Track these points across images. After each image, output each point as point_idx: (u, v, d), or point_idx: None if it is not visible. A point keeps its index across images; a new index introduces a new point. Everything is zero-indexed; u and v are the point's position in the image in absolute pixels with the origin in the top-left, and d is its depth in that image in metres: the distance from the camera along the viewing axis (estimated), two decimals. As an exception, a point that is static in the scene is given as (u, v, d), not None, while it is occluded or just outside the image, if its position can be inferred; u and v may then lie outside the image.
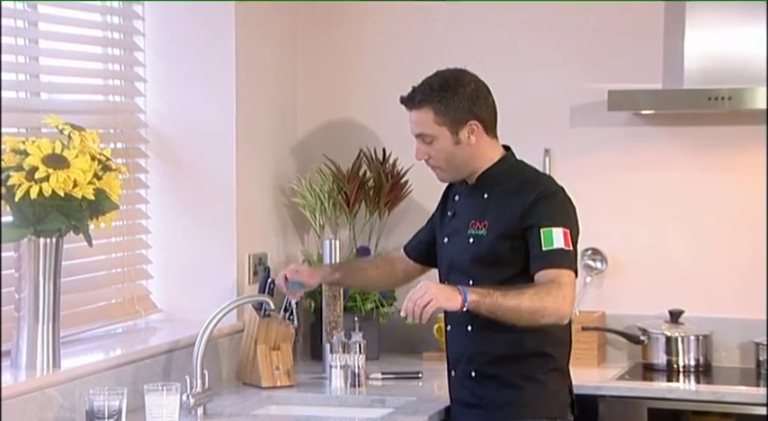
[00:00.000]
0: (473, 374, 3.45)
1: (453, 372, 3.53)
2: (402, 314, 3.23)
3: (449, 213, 3.56)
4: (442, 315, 3.66)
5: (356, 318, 4.13)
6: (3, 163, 3.19)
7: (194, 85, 4.15)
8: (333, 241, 4.20)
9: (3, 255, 3.33)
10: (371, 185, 4.47)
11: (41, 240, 3.26)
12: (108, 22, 3.97)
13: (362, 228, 4.50)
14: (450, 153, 3.42)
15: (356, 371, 3.97)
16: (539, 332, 3.35)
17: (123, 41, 4.04)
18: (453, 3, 4.49)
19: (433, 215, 3.71)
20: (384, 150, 4.50)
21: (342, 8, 4.66)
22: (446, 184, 3.61)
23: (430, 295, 3.15)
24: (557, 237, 3.31)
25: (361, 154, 4.51)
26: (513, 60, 4.37)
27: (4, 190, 3.18)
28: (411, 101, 3.41)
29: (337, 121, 4.66)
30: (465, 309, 3.17)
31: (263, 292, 4.08)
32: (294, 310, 4.20)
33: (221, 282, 4.14)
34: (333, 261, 4.17)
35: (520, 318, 3.23)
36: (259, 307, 4.01)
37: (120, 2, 4.01)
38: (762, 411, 3.88)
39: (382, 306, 4.38)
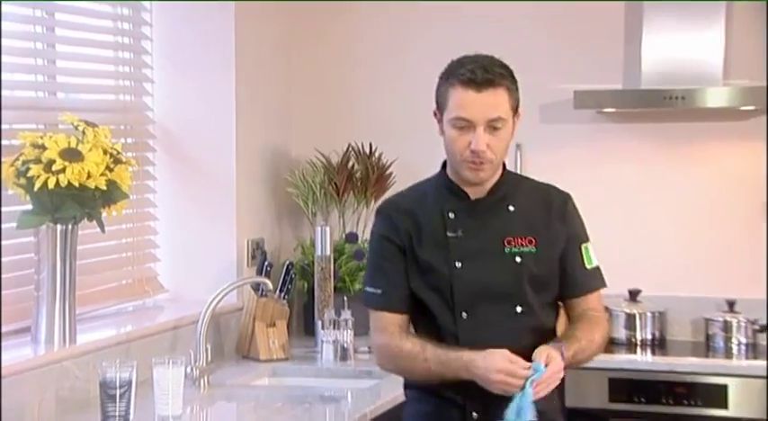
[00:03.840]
0: None
1: (476, 415, 2.67)
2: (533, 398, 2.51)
3: (451, 233, 2.71)
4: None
5: (345, 298, 4.14)
6: (23, 156, 3.20)
7: (197, 86, 4.14)
8: (324, 227, 4.19)
9: (23, 240, 3.34)
10: (359, 177, 4.47)
11: (58, 227, 3.26)
12: (119, 28, 3.97)
13: (351, 215, 4.50)
14: (507, 143, 2.69)
15: (345, 346, 3.99)
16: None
17: (132, 46, 4.03)
18: (432, 6, 4.50)
19: (395, 250, 2.73)
20: (371, 145, 4.49)
21: (333, 17, 4.65)
22: (399, 210, 2.77)
23: (561, 373, 2.55)
24: (593, 253, 2.79)
25: (350, 148, 4.50)
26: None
27: (24, 181, 3.18)
28: (489, 82, 2.60)
29: (328, 119, 4.65)
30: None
31: (261, 274, 4.12)
32: (289, 290, 4.22)
33: (222, 265, 4.14)
34: (324, 245, 4.16)
35: (590, 361, 2.76)
36: (257, 287, 4.04)
37: (130, 10, 4.00)
38: (711, 380, 3.91)
39: (369, 286, 4.38)
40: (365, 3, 4.60)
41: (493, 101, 2.62)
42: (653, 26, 4.22)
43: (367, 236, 4.40)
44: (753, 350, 4.10)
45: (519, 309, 2.68)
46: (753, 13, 4.27)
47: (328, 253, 4.16)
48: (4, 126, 3.37)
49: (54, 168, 3.15)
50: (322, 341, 4.02)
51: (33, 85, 3.58)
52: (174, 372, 3.11)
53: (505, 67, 2.66)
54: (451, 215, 2.72)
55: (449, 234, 2.71)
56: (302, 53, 4.62)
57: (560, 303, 2.81)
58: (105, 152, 3.27)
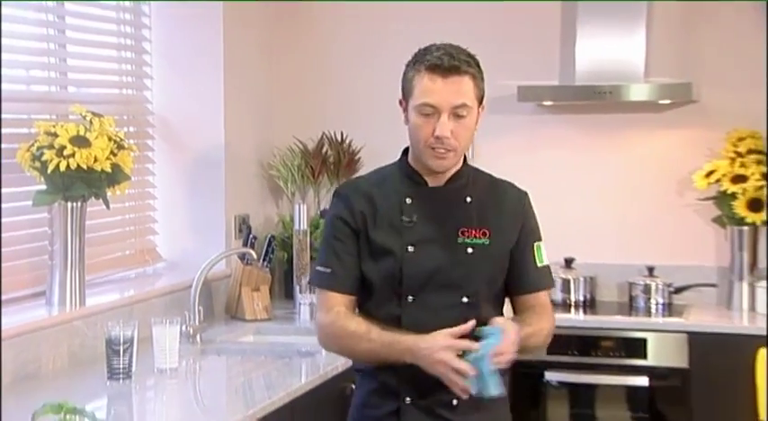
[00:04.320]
0: (455, 402, 2.36)
1: (409, 400, 2.38)
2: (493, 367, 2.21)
3: (406, 218, 2.41)
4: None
5: None
6: (38, 143, 3.19)
7: (191, 82, 4.12)
8: (301, 205, 4.18)
9: (38, 216, 3.33)
10: (332, 161, 4.47)
11: (69, 204, 3.27)
12: (122, 31, 3.96)
13: (325, 194, 4.48)
14: (472, 132, 2.40)
15: None
16: None
17: (134, 46, 4.02)
18: (394, 11, 4.50)
19: (349, 232, 2.43)
20: (342, 133, 4.50)
21: (309, 22, 4.62)
22: (358, 192, 2.47)
23: (517, 344, 2.25)
24: (544, 252, 2.50)
25: (324, 136, 4.50)
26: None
27: (38, 164, 3.18)
28: (455, 68, 2.33)
29: (304, 110, 4.63)
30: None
31: (246, 245, 4.12)
32: (271, 259, 4.23)
33: (213, 237, 4.12)
34: (301, 220, 4.14)
35: (535, 349, 2.43)
36: (243, 257, 4.04)
37: (132, 15, 3.98)
38: (633, 334, 3.96)
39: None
40: (338, 10, 4.58)
41: (458, 88, 2.34)
42: (585, 29, 4.22)
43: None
44: (668, 309, 4.16)
45: (465, 299, 2.37)
46: (670, 19, 4.29)
47: (305, 227, 4.15)
48: (22, 116, 3.37)
49: (65, 153, 3.16)
50: (300, 303, 4.02)
51: (47, 81, 3.58)
52: (171, 331, 3.13)
53: (472, 56, 2.39)
54: (408, 200, 2.42)
55: (404, 218, 2.41)
56: (282, 53, 4.61)
57: (508, 299, 2.51)
58: (110, 139, 3.28)
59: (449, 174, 2.44)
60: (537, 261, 2.47)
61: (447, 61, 2.33)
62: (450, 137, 2.34)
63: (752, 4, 4.24)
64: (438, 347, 2.23)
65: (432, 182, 2.44)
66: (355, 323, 2.37)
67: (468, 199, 2.43)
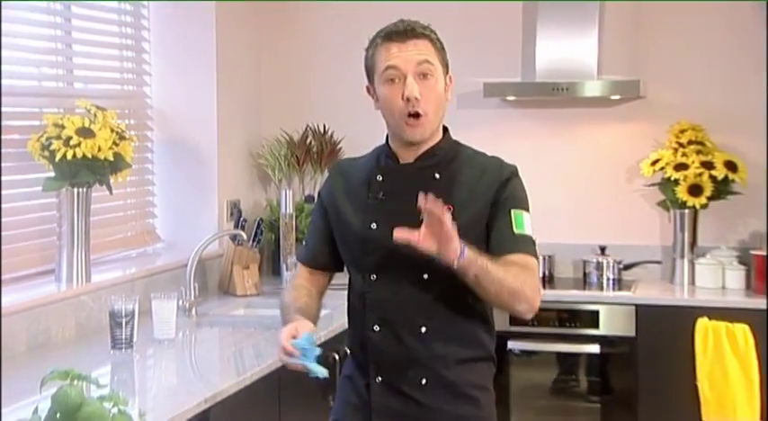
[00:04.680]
0: (424, 382, 2.17)
1: (380, 379, 2.20)
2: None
3: (373, 195, 2.23)
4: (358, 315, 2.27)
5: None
6: (46, 134, 3.19)
7: (186, 78, 4.11)
8: (287, 191, 4.18)
9: (47, 201, 3.33)
10: (315, 151, 4.47)
11: (75, 190, 3.27)
12: (123, 32, 3.94)
13: (309, 181, 4.50)
14: (441, 98, 2.18)
15: None
16: (489, 333, 2.25)
17: (134, 46, 4.01)
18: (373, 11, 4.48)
19: (322, 210, 2.33)
20: (324, 125, 4.50)
21: (294, 24, 4.61)
22: (341, 171, 2.34)
23: (448, 228, 1.98)
24: (527, 223, 2.19)
25: (308, 128, 4.50)
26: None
27: (47, 153, 3.18)
28: (410, 31, 2.16)
29: (290, 104, 4.62)
30: (455, 265, 2.02)
31: (237, 228, 4.13)
32: (259, 240, 4.24)
33: (207, 220, 4.12)
34: (287, 205, 4.13)
35: (499, 294, 2.08)
36: (234, 238, 4.04)
37: (132, 18, 3.97)
38: (587, 307, 3.99)
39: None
40: (321, 11, 4.57)
41: (418, 48, 2.15)
42: (544, 31, 4.22)
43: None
44: (618, 284, 4.19)
45: (425, 275, 2.14)
46: (620, 21, 4.30)
47: (291, 211, 4.15)
48: (34, 109, 3.36)
49: (71, 143, 3.16)
50: (286, 280, 4.01)
51: (55, 78, 3.57)
52: (169, 305, 3.14)
53: (429, 27, 2.21)
54: (379, 178, 2.24)
55: (370, 195, 2.23)
56: (270, 52, 4.60)
57: None
58: (112, 131, 3.28)
59: (421, 151, 2.21)
60: (514, 227, 2.16)
61: (402, 26, 2.18)
62: (420, 99, 2.13)
63: (695, 6, 4.27)
64: (283, 331, 2.11)
65: (404, 159, 2.23)
66: (291, 295, 2.30)
67: (437, 175, 2.21)
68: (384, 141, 2.30)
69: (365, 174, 2.27)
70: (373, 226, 2.21)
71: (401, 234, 2.00)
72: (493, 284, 2.06)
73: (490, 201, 2.18)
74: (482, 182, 2.20)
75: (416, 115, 2.15)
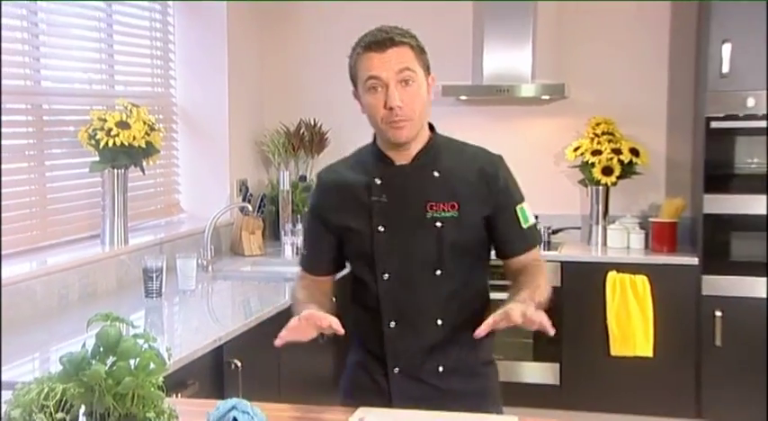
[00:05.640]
0: (441, 369, 1.90)
1: (397, 369, 1.91)
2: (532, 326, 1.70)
3: (376, 199, 1.88)
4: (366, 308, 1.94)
5: (298, 216, 4.14)
6: (92, 126, 3.19)
7: (203, 81, 4.09)
8: (284, 172, 4.17)
9: (93, 180, 3.31)
10: (307, 140, 4.45)
11: (115, 171, 3.27)
12: (152, 45, 3.92)
13: (302, 164, 4.48)
14: (424, 102, 1.86)
15: (298, 246, 3.96)
16: (490, 309, 1.84)
17: (162, 55, 3.99)
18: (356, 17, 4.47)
19: (316, 221, 1.96)
20: (315, 119, 4.48)
21: (292, 32, 4.57)
22: (333, 179, 1.96)
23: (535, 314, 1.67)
24: (528, 212, 1.93)
25: (301, 121, 4.48)
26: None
27: (93, 142, 3.18)
28: (389, 41, 1.82)
29: (288, 102, 4.60)
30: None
31: (245, 201, 4.12)
32: (263, 211, 4.25)
33: (221, 195, 4.11)
34: (284, 183, 4.12)
35: (544, 296, 1.84)
36: (242, 209, 4.04)
37: (161, 34, 3.94)
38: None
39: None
40: (314, 24, 4.53)
41: (398, 57, 1.82)
42: (490, 43, 4.18)
43: (311, 178, 4.45)
44: (548, 245, 4.16)
45: (438, 272, 1.85)
46: (549, 36, 4.29)
47: (288, 188, 4.15)
48: (85, 107, 3.33)
49: (112, 134, 3.17)
50: (284, 243, 4.02)
51: (99, 81, 3.54)
52: (190, 263, 3.16)
53: (408, 33, 1.87)
54: (378, 181, 1.89)
55: (373, 199, 1.88)
56: (270, 59, 4.57)
57: (502, 261, 1.97)
58: (145, 123, 3.27)
59: (415, 151, 1.89)
60: (522, 222, 1.91)
61: (381, 36, 1.84)
62: (403, 106, 1.81)
63: (609, 22, 4.27)
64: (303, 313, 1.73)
65: (398, 160, 1.89)
66: (301, 293, 1.93)
67: (436, 173, 1.89)
68: (371, 141, 1.96)
69: (364, 179, 1.91)
70: (381, 229, 1.87)
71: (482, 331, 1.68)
72: (542, 301, 1.80)
73: (489, 194, 1.89)
74: (478, 176, 1.89)
75: (400, 121, 1.83)
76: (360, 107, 1.90)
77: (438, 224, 1.85)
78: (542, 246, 4.15)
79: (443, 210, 1.86)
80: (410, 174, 1.89)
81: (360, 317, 1.94)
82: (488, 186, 1.88)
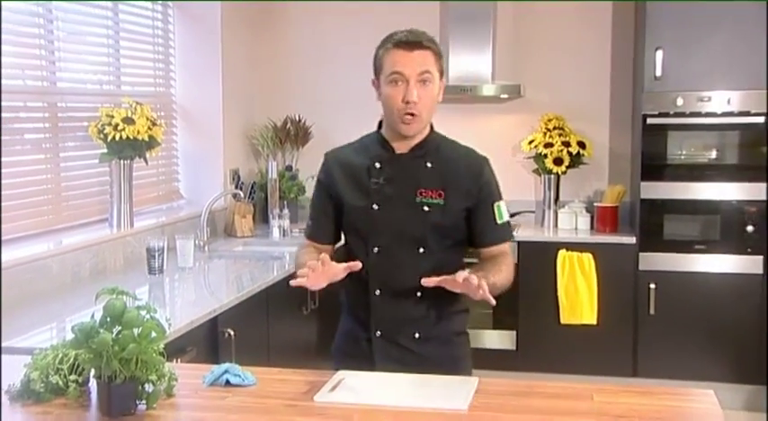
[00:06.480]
0: (417, 336, 1.96)
1: (379, 333, 1.96)
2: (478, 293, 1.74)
3: (374, 180, 1.94)
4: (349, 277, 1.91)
5: (285, 202, 4.15)
6: (101, 121, 3.18)
7: (200, 80, 4.06)
8: (272, 162, 4.16)
9: (102, 169, 3.29)
10: (293, 134, 4.44)
11: (122, 161, 3.26)
12: (155, 49, 3.90)
13: (288, 155, 4.47)
14: (435, 102, 1.94)
15: (285, 228, 3.99)
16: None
17: (163, 59, 3.97)
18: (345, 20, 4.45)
19: (323, 192, 2.01)
20: (299, 115, 4.47)
21: (280, 36, 4.54)
22: (338, 159, 2.01)
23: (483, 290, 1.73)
24: (504, 210, 1.98)
25: (287, 117, 4.47)
26: (361, 57, 4.39)
27: (102, 135, 3.17)
28: (417, 44, 1.89)
29: (275, 99, 4.58)
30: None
31: (237, 188, 4.11)
32: (253, 197, 4.25)
33: (215, 183, 4.10)
34: (272, 172, 4.10)
35: (503, 282, 1.89)
36: (235, 196, 4.02)
37: (163, 39, 3.92)
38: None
39: (300, 194, 4.35)
40: (299, 30, 4.51)
41: (422, 59, 1.88)
42: (456, 48, 4.18)
43: (297, 168, 4.46)
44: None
45: (421, 250, 1.90)
46: (506, 42, 4.30)
47: (275, 176, 4.15)
48: (96, 104, 3.29)
49: (119, 128, 3.16)
50: (272, 226, 4.01)
51: (108, 82, 3.52)
52: (188, 243, 3.16)
53: (433, 40, 1.94)
54: (378, 165, 1.95)
55: (372, 180, 1.95)
56: (260, 60, 4.55)
57: (475, 249, 1.99)
58: (148, 119, 3.26)
59: (414, 143, 1.94)
60: (497, 218, 1.95)
61: (411, 37, 1.90)
62: (418, 102, 1.87)
63: (559, 29, 4.29)
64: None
65: (398, 149, 1.95)
66: (306, 256, 1.95)
67: (429, 164, 1.94)
68: (375, 130, 2.00)
69: (366, 162, 1.96)
70: (375, 207, 1.93)
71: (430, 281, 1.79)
72: (497, 290, 1.84)
73: (472, 189, 1.93)
74: (465, 171, 1.94)
75: (412, 115, 1.88)
76: (377, 94, 1.93)
77: (425, 208, 1.91)
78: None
79: (431, 196, 1.91)
80: (407, 162, 1.94)
81: (351, 286, 1.96)
82: (473, 182, 1.93)
